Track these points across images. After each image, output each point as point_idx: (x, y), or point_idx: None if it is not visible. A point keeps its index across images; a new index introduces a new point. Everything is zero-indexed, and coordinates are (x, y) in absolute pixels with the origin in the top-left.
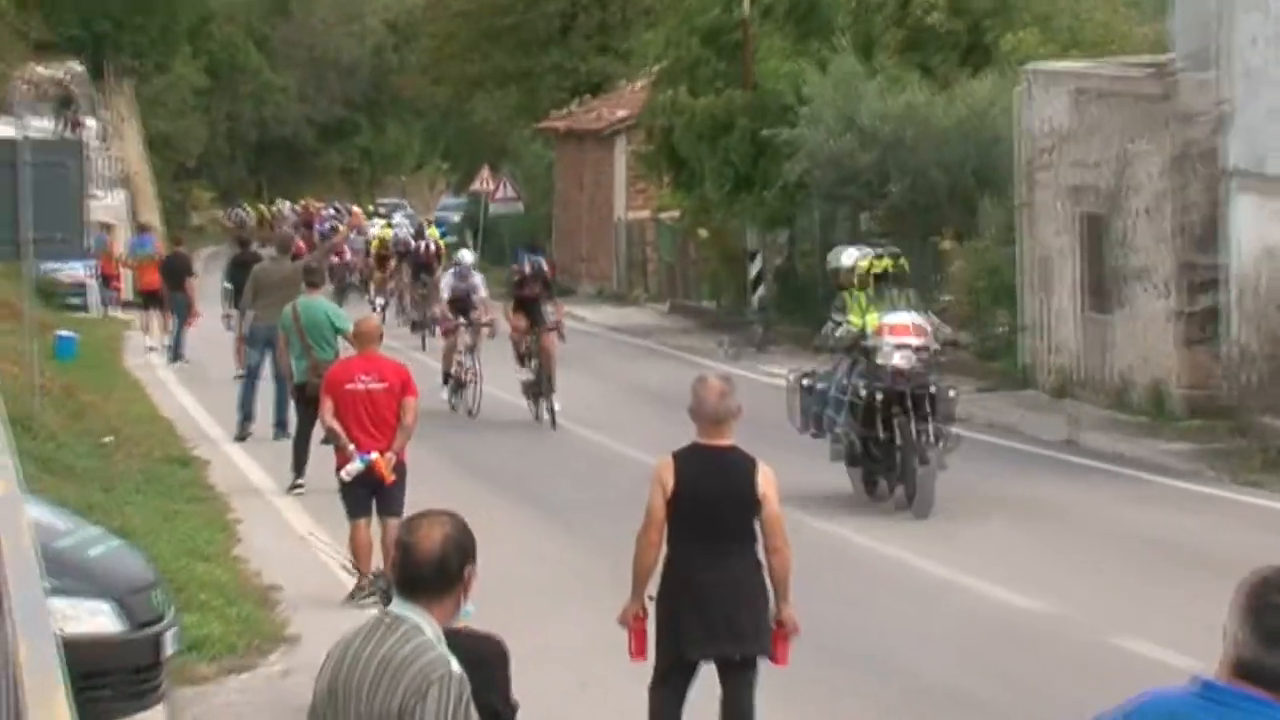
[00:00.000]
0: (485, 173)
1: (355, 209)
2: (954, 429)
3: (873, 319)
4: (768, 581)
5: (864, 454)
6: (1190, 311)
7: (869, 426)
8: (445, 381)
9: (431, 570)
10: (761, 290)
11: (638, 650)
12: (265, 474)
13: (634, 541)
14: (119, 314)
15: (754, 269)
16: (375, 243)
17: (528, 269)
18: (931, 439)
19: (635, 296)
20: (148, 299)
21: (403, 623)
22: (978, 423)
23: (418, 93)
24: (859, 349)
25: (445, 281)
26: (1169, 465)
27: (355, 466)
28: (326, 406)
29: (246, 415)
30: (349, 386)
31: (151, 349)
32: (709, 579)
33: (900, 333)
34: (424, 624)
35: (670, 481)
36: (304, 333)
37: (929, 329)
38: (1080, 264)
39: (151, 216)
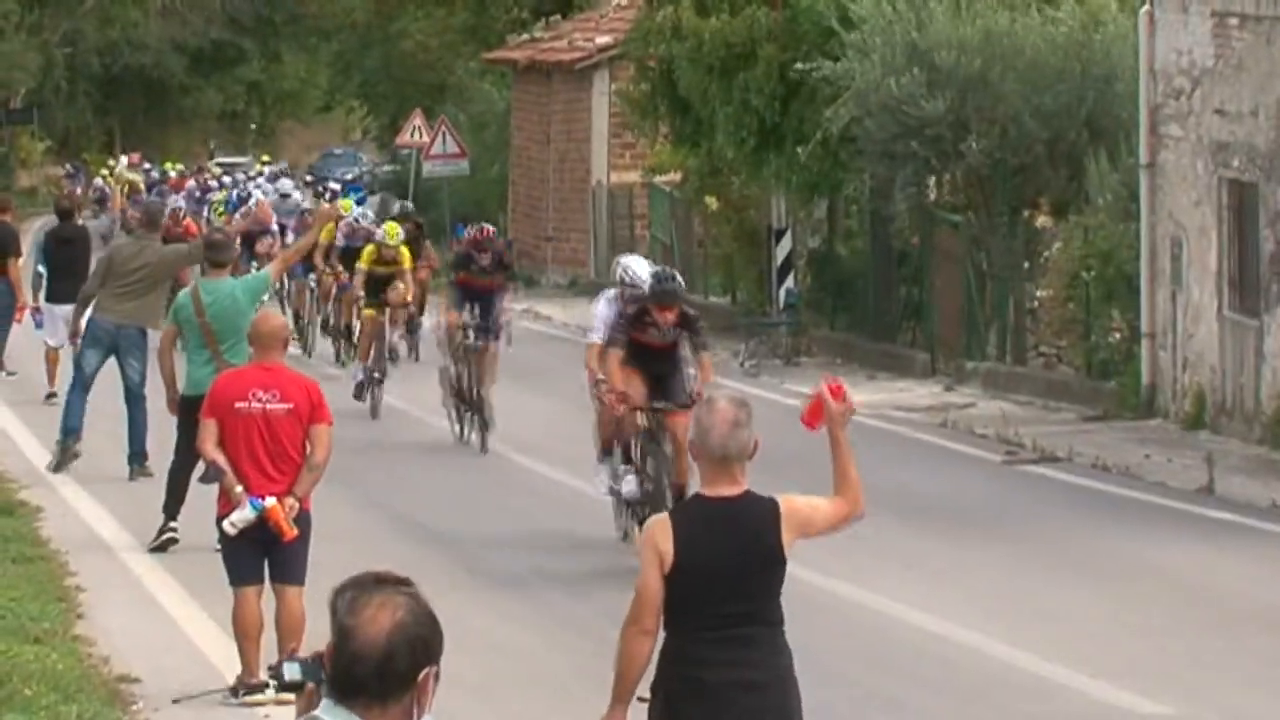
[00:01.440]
0: (417, 119)
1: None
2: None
3: None
4: (797, 679)
5: None
6: None
7: None
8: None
9: (372, 668)
10: (790, 282)
11: None
12: (118, 525)
13: (617, 630)
14: None
15: (781, 253)
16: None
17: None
18: None
19: None
20: None
21: None
22: (1083, 463)
23: (325, 9)
24: None
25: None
26: None
27: (244, 515)
28: (208, 432)
29: (69, 431)
30: (240, 406)
31: None
32: (725, 678)
33: None
34: None
35: (668, 549)
36: (210, 328)
37: None
38: (1225, 248)
39: None
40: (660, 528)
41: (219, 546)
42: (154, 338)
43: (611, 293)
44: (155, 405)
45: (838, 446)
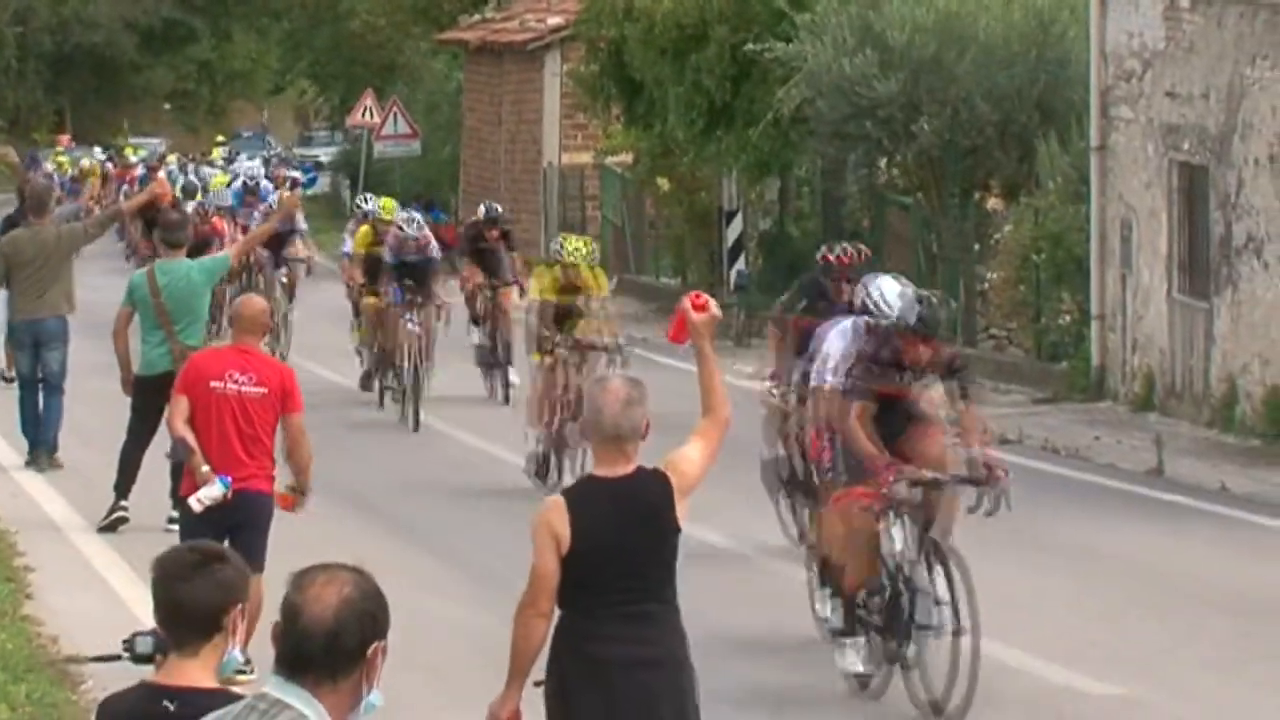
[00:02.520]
0: (369, 99)
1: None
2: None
3: None
4: (691, 659)
5: None
6: None
7: None
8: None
9: (320, 643)
10: (741, 263)
11: None
12: (67, 506)
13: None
14: None
15: (732, 234)
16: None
17: (482, 212)
18: None
19: None
20: None
21: (282, 710)
22: (1033, 445)
23: None
24: None
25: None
26: None
27: (212, 492)
28: (178, 408)
29: (36, 442)
30: (215, 385)
31: None
32: (622, 656)
33: None
34: (312, 714)
35: (565, 532)
36: (165, 308)
37: None
38: (1175, 230)
39: None
40: (555, 510)
41: (169, 526)
42: (74, 321)
43: (848, 323)
44: (86, 389)
45: (703, 358)
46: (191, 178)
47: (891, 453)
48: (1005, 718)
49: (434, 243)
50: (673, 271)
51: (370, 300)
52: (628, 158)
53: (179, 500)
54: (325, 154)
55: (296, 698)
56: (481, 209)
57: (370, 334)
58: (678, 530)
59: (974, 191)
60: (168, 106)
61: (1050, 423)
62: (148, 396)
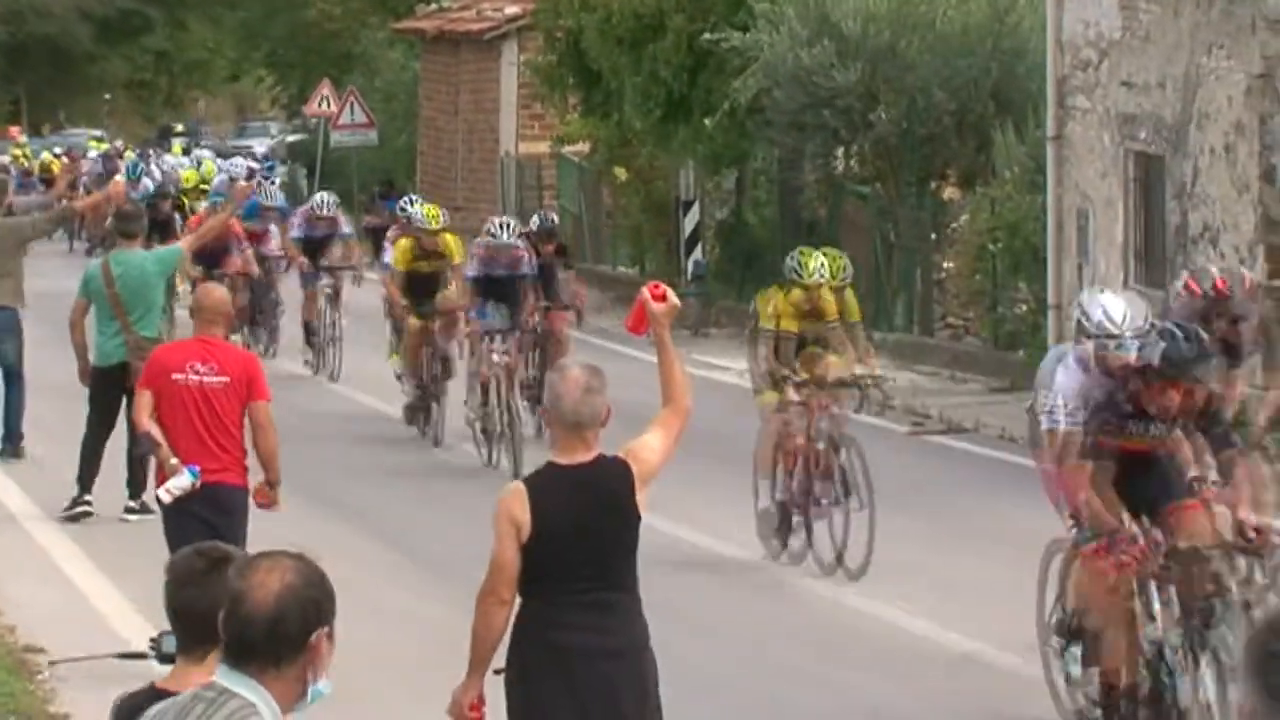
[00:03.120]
0: (325, 89)
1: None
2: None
3: None
4: (653, 649)
5: None
6: None
7: None
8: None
9: (262, 630)
10: (699, 253)
11: None
12: (24, 496)
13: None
14: None
15: (689, 224)
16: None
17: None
18: None
19: None
20: None
21: (229, 699)
22: (989, 434)
23: None
24: None
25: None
26: None
27: (181, 483)
28: (142, 402)
29: (9, 433)
30: (176, 378)
31: None
32: (583, 644)
33: None
34: (259, 702)
35: (525, 519)
36: (119, 299)
37: None
38: (1131, 220)
39: None
40: (517, 498)
41: (124, 516)
42: (30, 313)
43: (1073, 354)
44: (43, 381)
45: (663, 348)
46: (153, 167)
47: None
48: (982, 705)
49: (527, 255)
50: (630, 261)
51: (415, 321)
52: (585, 147)
53: (134, 491)
54: (260, 145)
55: (243, 686)
56: (535, 219)
57: (412, 358)
58: (638, 518)
59: (931, 181)
60: (108, 96)
61: (1008, 411)
62: (104, 388)
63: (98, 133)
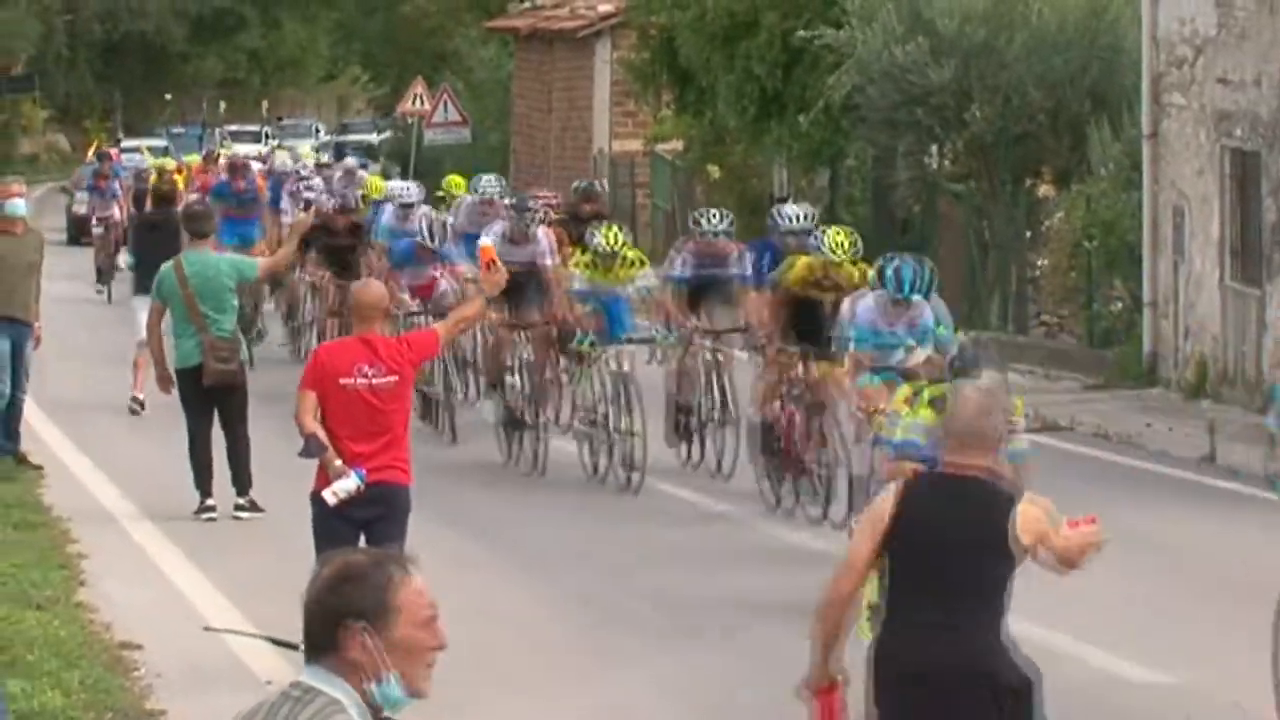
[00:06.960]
0: (419, 87)
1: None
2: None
3: None
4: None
5: None
6: None
7: None
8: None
9: (310, 623)
10: None
11: None
12: (119, 493)
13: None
14: None
15: None
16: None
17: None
18: None
19: None
20: None
21: (315, 696)
22: (1085, 431)
23: None
24: None
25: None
26: None
27: (347, 485)
28: (307, 404)
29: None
30: (345, 382)
31: None
32: (923, 666)
33: None
34: (344, 698)
35: (887, 513)
36: (195, 301)
37: None
38: (1227, 217)
39: None
40: (889, 494)
41: (312, 519)
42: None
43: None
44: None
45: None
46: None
47: None
48: (1056, 704)
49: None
50: None
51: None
52: (678, 145)
53: (241, 489)
54: (369, 139)
55: (324, 682)
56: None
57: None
58: (1010, 556)
59: (1025, 179)
60: (206, 95)
61: (1102, 409)
62: (193, 389)
63: (162, 143)
